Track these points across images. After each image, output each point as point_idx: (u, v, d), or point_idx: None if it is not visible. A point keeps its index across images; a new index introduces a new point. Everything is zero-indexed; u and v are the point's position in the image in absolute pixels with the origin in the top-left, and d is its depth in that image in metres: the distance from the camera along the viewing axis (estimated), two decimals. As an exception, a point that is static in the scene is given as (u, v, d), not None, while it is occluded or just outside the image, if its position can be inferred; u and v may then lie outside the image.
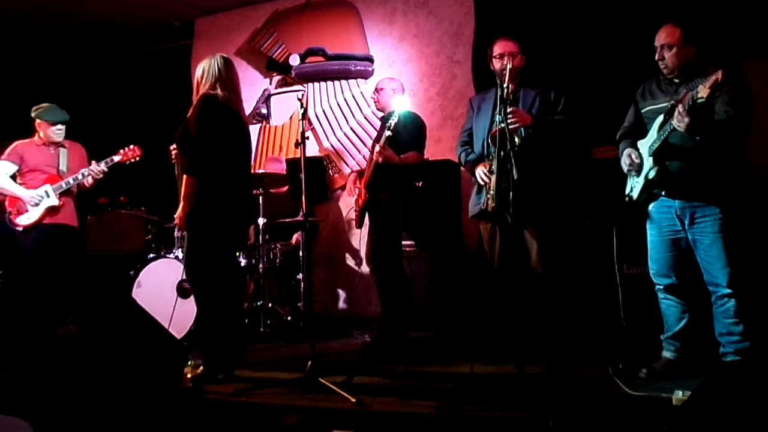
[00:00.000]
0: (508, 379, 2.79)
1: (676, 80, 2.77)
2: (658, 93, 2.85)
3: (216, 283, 3.08)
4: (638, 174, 2.82)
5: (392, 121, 3.66)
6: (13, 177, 4.11)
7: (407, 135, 3.80)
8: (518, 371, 2.62)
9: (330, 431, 2.33)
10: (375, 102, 4.19)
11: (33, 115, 4.23)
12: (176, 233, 4.46)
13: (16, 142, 4.21)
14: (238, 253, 4.43)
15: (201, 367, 3.05)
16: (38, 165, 4.13)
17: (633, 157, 2.83)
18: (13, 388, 2.60)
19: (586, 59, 4.34)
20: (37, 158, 4.15)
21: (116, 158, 4.13)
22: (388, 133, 3.66)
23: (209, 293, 3.09)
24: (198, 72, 3.18)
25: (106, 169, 4.11)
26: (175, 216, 3.08)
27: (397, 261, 3.87)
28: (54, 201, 4.07)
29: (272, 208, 4.98)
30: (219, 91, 3.09)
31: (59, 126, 4.20)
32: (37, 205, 4.03)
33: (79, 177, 4.10)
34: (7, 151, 4.17)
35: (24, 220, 4.03)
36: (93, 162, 4.13)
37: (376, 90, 4.11)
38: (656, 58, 2.78)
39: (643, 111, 2.91)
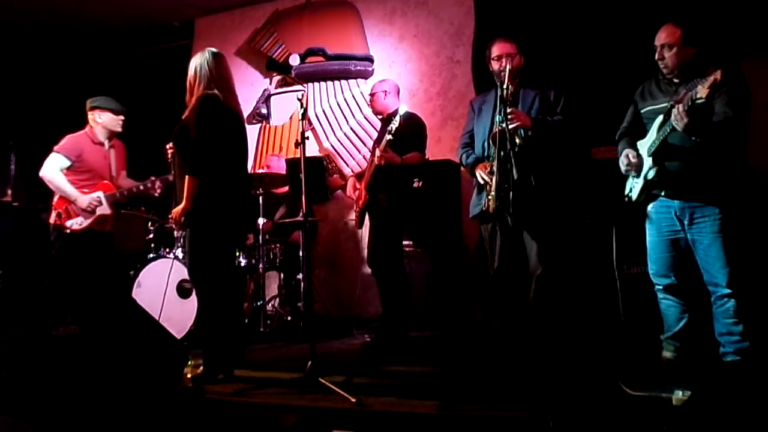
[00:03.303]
0: (508, 379, 2.79)
1: (676, 80, 2.77)
2: (658, 93, 2.85)
3: (217, 282, 3.08)
4: (637, 174, 2.82)
5: (393, 126, 3.66)
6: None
7: (408, 136, 3.80)
8: (519, 372, 2.63)
9: (330, 431, 2.33)
10: (371, 107, 4.20)
11: (92, 106, 4.07)
12: (176, 233, 4.45)
13: (70, 136, 4.03)
14: (238, 253, 4.46)
15: (201, 367, 3.05)
16: (93, 167, 4.01)
17: (631, 157, 2.83)
18: (13, 388, 2.60)
19: (585, 59, 4.33)
20: (93, 160, 4.02)
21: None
22: (389, 137, 3.66)
23: (210, 292, 3.09)
24: (190, 71, 3.14)
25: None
26: (173, 212, 3.07)
27: (398, 261, 3.87)
28: (106, 210, 3.99)
29: (272, 208, 4.98)
30: (216, 92, 3.07)
31: (122, 117, 4.10)
32: (91, 212, 3.94)
33: (134, 190, 4.03)
34: (63, 143, 3.98)
35: (75, 225, 3.93)
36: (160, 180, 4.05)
37: (369, 95, 4.13)
38: (656, 57, 2.78)
39: (642, 111, 2.90)
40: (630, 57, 3.69)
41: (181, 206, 3.01)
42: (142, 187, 4.05)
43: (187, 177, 3.00)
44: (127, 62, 6.62)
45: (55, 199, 4.01)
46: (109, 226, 4.14)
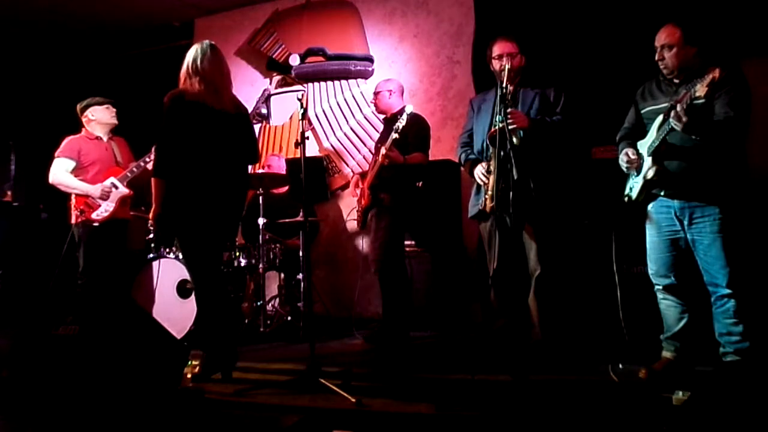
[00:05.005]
0: (507, 379, 2.79)
1: (676, 81, 2.77)
2: (658, 93, 2.85)
3: (204, 281, 3.08)
4: (638, 172, 2.82)
5: (399, 124, 3.66)
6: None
7: (412, 136, 3.81)
8: (518, 372, 2.63)
9: (330, 431, 2.33)
10: (374, 105, 4.20)
11: (81, 108, 4.14)
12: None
13: (68, 138, 4.11)
14: (237, 253, 4.45)
15: (198, 367, 3.04)
16: (96, 160, 4.06)
17: (630, 154, 2.83)
18: (13, 388, 2.60)
19: (586, 59, 4.33)
20: (94, 153, 4.08)
21: None
22: (394, 135, 3.67)
23: (200, 291, 3.10)
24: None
25: None
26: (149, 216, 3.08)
27: (400, 261, 3.87)
28: (124, 190, 4.06)
29: (272, 207, 4.98)
30: (190, 85, 3.02)
31: (112, 107, 4.16)
32: (107, 198, 3.99)
33: (142, 164, 4.05)
34: (62, 146, 4.06)
35: (103, 213, 3.98)
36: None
37: (374, 94, 4.13)
38: (656, 58, 2.78)
39: (643, 112, 2.90)
40: (631, 57, 3.68)
41: (152, 210, 3.01)
42: (147, 159, 4.05)
43: (152, 179, 2.99)
44: (127, 62, 6.62)
45: (72, 199, 4.06)
46: (129, 211, 4.21)
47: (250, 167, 3.55)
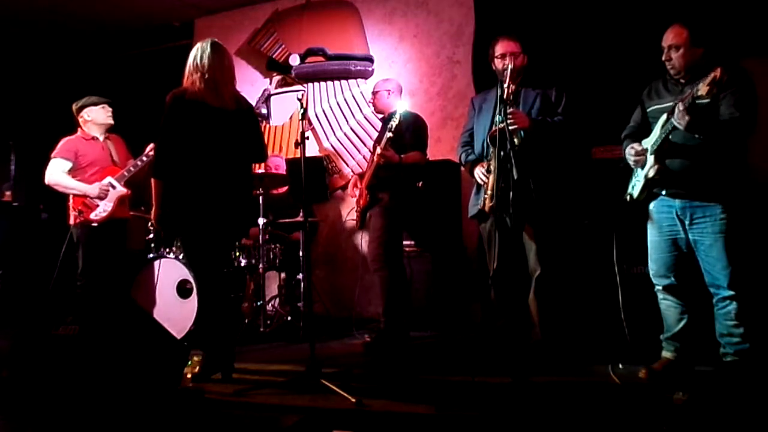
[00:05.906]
0: (507, 379, 2.79)
1: (683, 80, 2.77)
2: (664, 93, 2.85)
3: (208, 281, 3.08)
4: (643, 167, 2.81)
5: (393, 123, 3.66)
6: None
7: (409, 135, 3.81)
8: (518, 372, 2.62)
9: (330, 431, 2.33)
10: (372, 105, 4.19)
11: (77, 108, 4.15)
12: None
13: (65, 139, 4.11)
14: (237, 253, 4.45)
15: (198, 367, 3.04)
16: (93, 160, 4.07)
17: (636, 146, 2.81)
18: (13, 388, 2.60)
19: (587, 59, 4.33)
20: (91, 154, 4.08)
21: None
22: (389, 134, 3.67)
23: (203, 291, 3.09)
24: None
25: None
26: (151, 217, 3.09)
27: (398, 261, 3.86)
28: (122, 189, 4.07)
29: (272, 208, 4.98)
30: (191, 83, 3.01)
31: (107, 107, 4.16)
32: (105, 197, 4.00)
33: (139, 163, 4.08)
34: (59, 147, 4.06)
35: (101, 213, 3.99)
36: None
37: (372, 93, 4.13)
38: (663, 58, 2.78)
39: (648, 111, 2.90)
40: (631, 56, 3.68)
41: (152, 211, 3.01)
42: (144, 158, 4.08)
43: (152, 180, 3.00)
44: (127, 62, 6.62)
45: (70, 200, 4.06)
46: (128, 210, 4.23)
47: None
